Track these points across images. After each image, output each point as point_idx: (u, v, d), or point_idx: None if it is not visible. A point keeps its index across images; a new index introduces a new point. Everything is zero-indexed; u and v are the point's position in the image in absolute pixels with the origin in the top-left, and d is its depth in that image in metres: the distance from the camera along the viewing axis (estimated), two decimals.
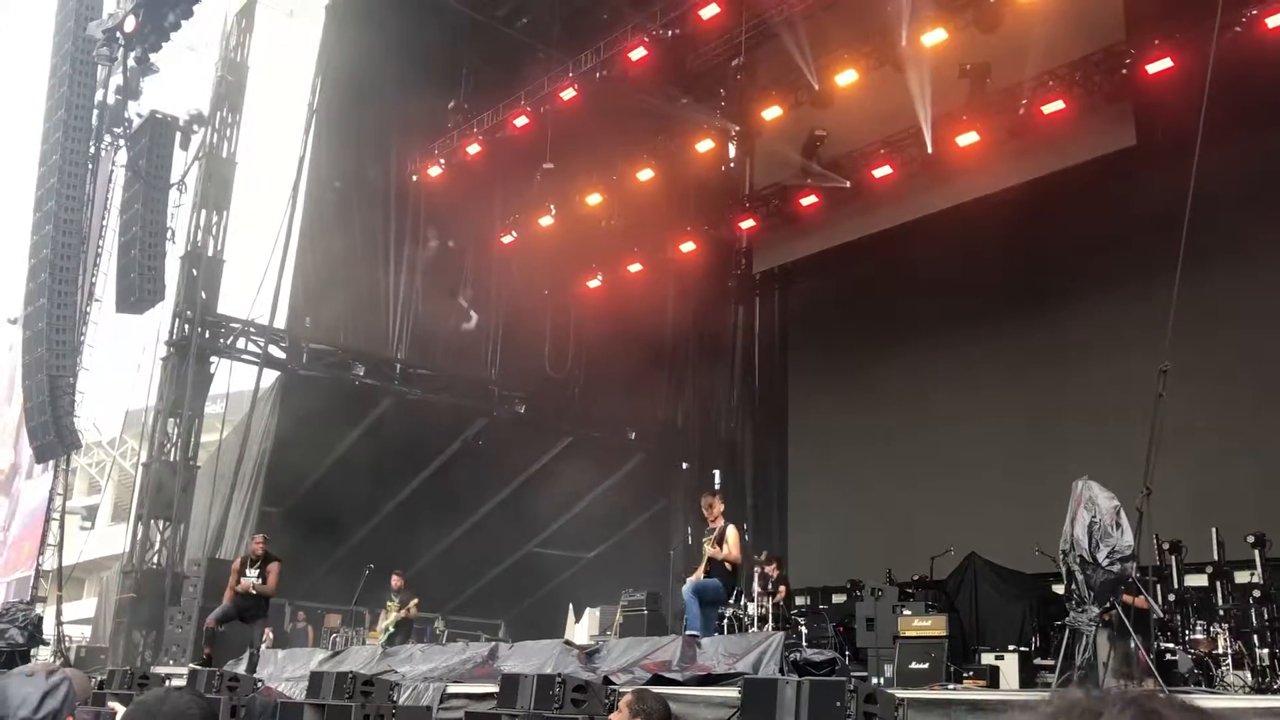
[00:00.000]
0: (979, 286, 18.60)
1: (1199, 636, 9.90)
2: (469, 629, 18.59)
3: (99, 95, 17.41)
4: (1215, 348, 14.78)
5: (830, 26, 17.17)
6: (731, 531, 10.28)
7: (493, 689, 8.40)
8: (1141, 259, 15.30)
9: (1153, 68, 14.35)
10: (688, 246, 21.33)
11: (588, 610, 16.92)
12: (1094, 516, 6.52)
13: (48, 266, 16.19)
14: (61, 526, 19.96)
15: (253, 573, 12.38)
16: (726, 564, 10.25)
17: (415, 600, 15.28)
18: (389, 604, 15.23)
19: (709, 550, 10.26)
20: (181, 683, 11.18)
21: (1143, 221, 15.49)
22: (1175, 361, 8.07)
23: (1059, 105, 15.54)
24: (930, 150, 16.95)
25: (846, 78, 16.36)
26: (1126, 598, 8.97)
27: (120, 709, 2.62)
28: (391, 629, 14.95)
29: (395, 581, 15.34)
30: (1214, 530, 12.24)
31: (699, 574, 10.58)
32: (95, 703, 6.13)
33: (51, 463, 20.04)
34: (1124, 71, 15.14)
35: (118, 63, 17.26)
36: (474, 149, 18.74)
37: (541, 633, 15.06)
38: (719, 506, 10.65)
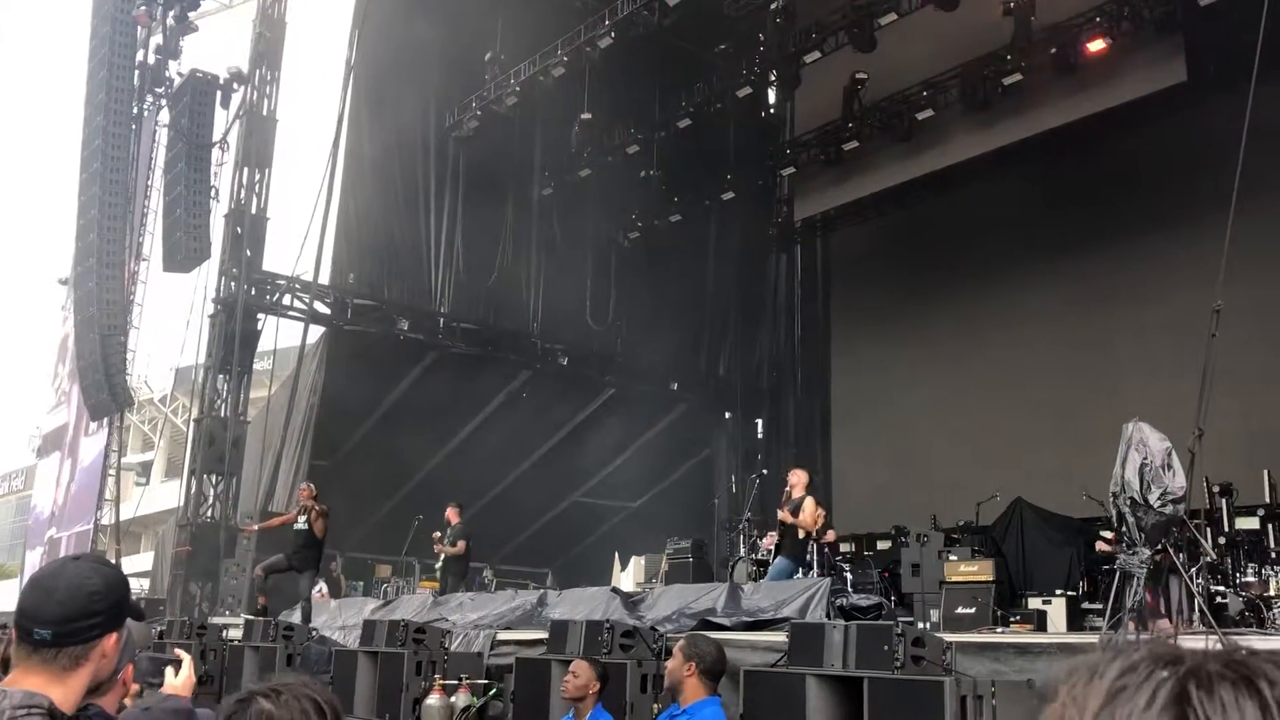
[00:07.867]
0: (1025, 228, 18.34)
1: (1250, 579, 9.81)
2: (517, 578, 18.82)
3: (139, 55, 17.48)
4: (1268, 286, 14.48)
5: None
6: (809, 502, 11.00)
7: (542, 635, 8.51)
8: (1192, 197, 15.00)
9: None
10: (728, 195, 21.18)
11: (633, 558, 17.04)
12: (1145, 458, 6.45)
13: (95, 227, 16.35)
14: (118, 482, 20.39)
15: (301, 518, 12.60)
16: (799, 530, 10.98)
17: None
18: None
19: (780, 515, 11.20)
20: (238, 634, 11.44)
21: (1194, 159, 15.16)
22: (1227, 301, 7.92)
23: (1106, 41, 15.18)
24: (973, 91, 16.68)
25: (887, 19, 16.09)
26: None
27: (184, 654, 2.65)
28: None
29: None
30: (1265, 473, 12.12)
31: (769, 542, 11.81)
32: (155, 651, 6.29)
33: (106, 420, 20.41)
34: (1173, 3, 14.74)
35: (157, 22, 17.32)
36: (511, 100, 18.65)
37: (588, 581, 15.19)
38: (798, 479, 11.35)
